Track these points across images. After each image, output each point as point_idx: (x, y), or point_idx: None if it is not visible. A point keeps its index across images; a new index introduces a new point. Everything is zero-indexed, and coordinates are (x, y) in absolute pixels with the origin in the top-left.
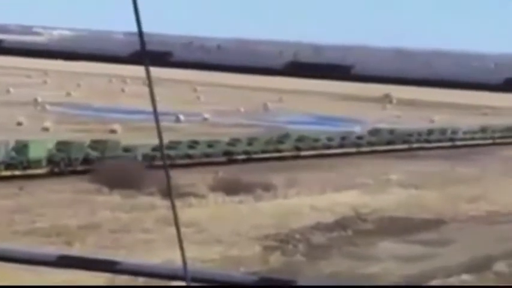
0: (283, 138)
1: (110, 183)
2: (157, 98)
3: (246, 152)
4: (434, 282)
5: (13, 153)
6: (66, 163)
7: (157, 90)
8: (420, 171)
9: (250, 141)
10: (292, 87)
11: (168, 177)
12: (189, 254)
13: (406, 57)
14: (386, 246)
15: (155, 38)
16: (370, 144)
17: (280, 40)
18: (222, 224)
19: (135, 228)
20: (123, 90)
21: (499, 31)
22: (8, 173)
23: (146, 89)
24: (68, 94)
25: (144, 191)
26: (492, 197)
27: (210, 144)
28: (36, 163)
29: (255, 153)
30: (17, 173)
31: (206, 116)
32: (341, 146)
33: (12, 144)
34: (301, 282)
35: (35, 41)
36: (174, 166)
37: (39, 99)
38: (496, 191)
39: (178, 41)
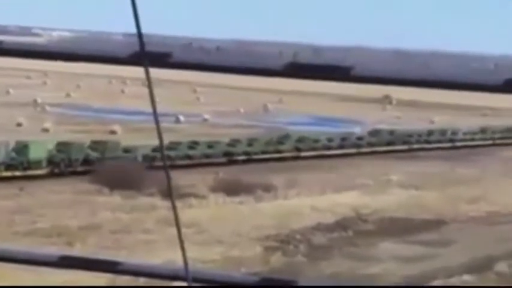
0: (283, 139)
1: (111, 184)
2: (157, 99)
3: (246, 153)
4: (435, 283)
5: (13, 154)
6: (66, 164)
7: (157, 91)
8: (420, 172)
9: (250, 142)
10: (292, 88)
11: (168, 178)
12: (189, 254)
13: (406, 58)
14: (387, 246)
15: (154, 39)
16: (370, 145)
17: (280, 41)
18: (223, 225)
19: (136, 228)
20: (122, 91)
21: (499, 32)
22: (8, 173)
23: (146, 90)
24: (68, 95)
25: (144, 191)
26: (492, 198)
27: (210, 145)
28: (37, 164)
29: (255, 154)
30: (17, 173)
31: (206, 116)
32: (341, 146)
33: (12, 145)
34: (302, 283)
35: (35, 42)
36: (175, 167)
37: (39, 100)
38: (496, 191)
39: (177, 42)
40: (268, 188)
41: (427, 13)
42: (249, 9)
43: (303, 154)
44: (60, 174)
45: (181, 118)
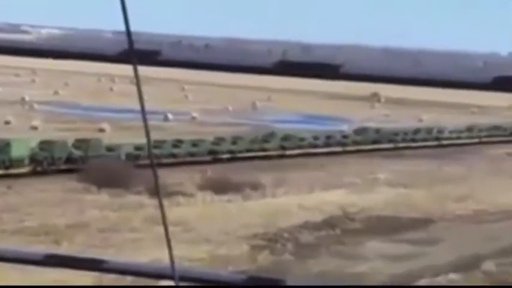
0: (268, 137)
1: (98, 182)
2: (146, 97)
3: (230, 151)
4: (422, 281)
5: None
6: (49, 162)
7: (145, 89)
8: (407, 170)
9: (235, 140)
10: (281, 86)
11: (155, 176)
12: (177, 253)
13: (395, 56)
14: (374, 245)
15: (144, 37)
16: (356, 143)
17: (269, 39)
18: (211, 223)
19: (124, 227)
20: (111, 89)
21: (488, 30)
22: None
23: (135, 88)
24: (56, 93)
25: (132, 190)
26: (479, 196)
27: (194, 144)
28: (19, 162)
29: (240, 152)
30: None
31: (194, 114)
32: (327, 145)
33: None
34: (289, 281)
35: (23, 39)
36: (163, 165)
37: (27, 98)
38: (483, 190)
39: (166, 39)
40: (256, 187)
41: (417, 11)
42: (238, 7)
43: (289, 152)
44: (44, 173)
45: (170, 116)
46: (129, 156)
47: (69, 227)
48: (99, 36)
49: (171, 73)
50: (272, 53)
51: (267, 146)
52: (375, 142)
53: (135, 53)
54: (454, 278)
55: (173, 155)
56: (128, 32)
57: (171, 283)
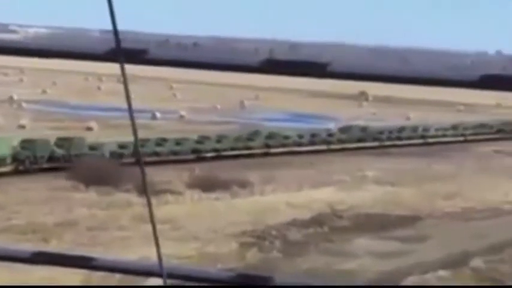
0: (253, 135)
1: (86, 180)
2: (133, 96)
3: (215, 150)
4: (410, 278)
5: None
6: (31, 161)
7: (133, 87)
8: (395, 168)
9: (220, 138)
10: (269, 85)
11: (143, 174)
12: (165, 250)
13: (382, 54)
14: (363, 242)
15: (131, 35)
16: (341, 141)
17: (256, 37)
18: (199, 221)
19: (112, 225)
20: (99, 88)
21: (476, 29)
22: None
23: (122, 87)
24: (44, 92)
25: (120, 188)
26: (467, 194)
27: (178, 142)
28: (1, 161)
29: (225, 150)
30: None
31: (182, 113)
32: (312, 143)
33: None
34: (277, 278)
35: (11, 38)
36: (151, 163)
37: (15, 97)
38: (471, 187)
39: (154, 38)
40: (244, 184)
41: (405, 10)
42: (226, 6)
43: (275, 150)
44: (26, 172)
45: (158, 114)
46: (113, 154)
47: (57, 225)
48: (86, 35)
49: (159, 72)
50: (259, 51)
51: (251, 144)
52: (360, 140)
53: (123, 51)
54: (442, 274)
55: (156, 154)
56: (115, 31)
57: (159, 281)
